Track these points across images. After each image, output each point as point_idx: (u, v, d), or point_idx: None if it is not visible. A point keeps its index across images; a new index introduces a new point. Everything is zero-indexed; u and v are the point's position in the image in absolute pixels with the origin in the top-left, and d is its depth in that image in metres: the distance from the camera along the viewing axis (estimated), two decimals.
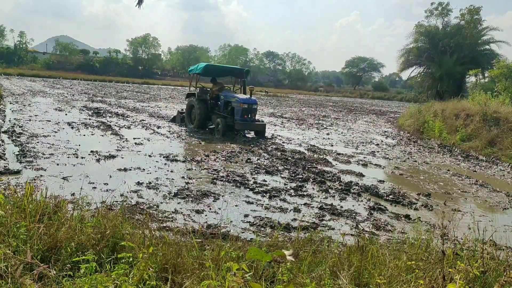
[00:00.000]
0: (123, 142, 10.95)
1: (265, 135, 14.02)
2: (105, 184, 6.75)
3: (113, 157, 8.99)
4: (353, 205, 6.78)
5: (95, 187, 6.51)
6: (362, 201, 7.08)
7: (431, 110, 19.58)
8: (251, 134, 14.31)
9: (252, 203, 6.43)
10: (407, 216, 6.33)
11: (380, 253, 3.61)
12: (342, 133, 17.39)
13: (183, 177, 7.65)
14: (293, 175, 8.57)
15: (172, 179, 7.47)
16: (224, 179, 7.70)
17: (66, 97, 25.44)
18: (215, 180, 7.58)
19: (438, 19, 46.17)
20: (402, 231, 5.59)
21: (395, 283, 2.95)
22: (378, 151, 12.96)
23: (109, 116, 16.54)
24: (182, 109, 16.63)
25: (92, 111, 17.72)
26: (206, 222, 5.32)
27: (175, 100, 30.45)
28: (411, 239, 4.13)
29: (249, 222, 5.51)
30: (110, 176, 7.30)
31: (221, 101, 14.18)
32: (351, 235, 5.24)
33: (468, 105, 17.78)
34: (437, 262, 2.98)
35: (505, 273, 2.11)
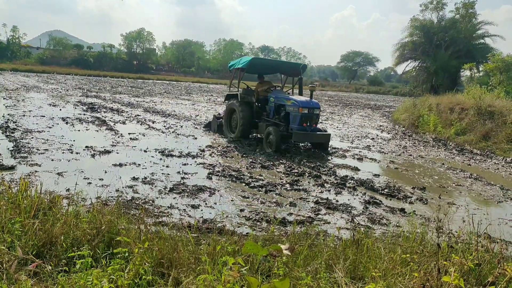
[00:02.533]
0: (118, 137, 10.90)
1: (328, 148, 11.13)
2: (100, 179, 6.72)
3: (108, 152, 8.95)
4: (348, 199, 6.81)
5: (90, 183, 6.48)
6: (357, 195, 7.11)
7: (426, 104, 19.64)
8: (304, 145, 11.73)
9: (248, 197, 6.43)
10: (402, 210, 6.36)
11: (375, 246, 3.63)
12: (337, 127, 17.41)
13: (178, 172, 7.63)
14: (288, 169, 8.58)
15: (168, 174, 7.45)
16: (220, 174, 7.70)
17: (60, 92, 25.28)
18: (210, 175, 7.58)
19: (433, 13, 46.26)
20: (397, 224, 5.62)
21: (390, 276, 2.97)
22: (373, 145, 12.99)
23: (104, 111, 16.46)
24: (219, 114, 13.80)
25: (86, 106, 17.62)
26: (202, 217, 5.32)
27: (170, 95, 30.33)
28: (406, 232, 4.15)
29: (245, 216, 5.52)
30: (105, 172, 7.27)
31: (271, 104, 11.36)
32: (347, 229, 5.26)
33: (463, 99, 17.85)
34: (432, 255, 3.00)
35: (499, 266, 2.13)
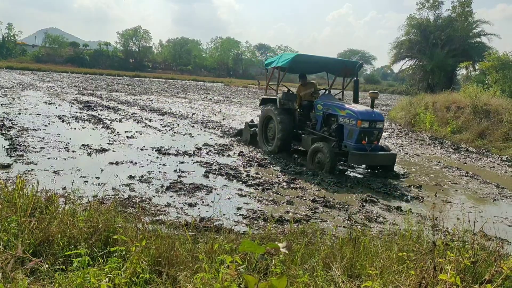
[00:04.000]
0: (115, 135, 10.87)
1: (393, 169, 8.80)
2: (96, 177, 6.71)
3: (105, 150, 8.93)
4: (345, 197, 6.82)
5: (86, 181, 6.46)
6: (354, 193, 7.12)
7: (422, 103, 19.67)
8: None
9: (245, 196, 6.43)
10: (399, 208, 6.39)
11: (372, 244, 3.64)
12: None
13: (175, 171, 7.62)
14: (286, 167, 8.59)
15: (165, 172, 7.44)
16: (216, 172, 7.70)
17: (56, 90, 25.16)
18: (207, 173, 7.57)
19: (429, 11, 46.34)
20: (394, 222, 5.64)
21: (387, 274, 2.98)
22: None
23: (100, 110, 16.40)
24: (252, 121, 11.91)
25: (82, 105, 17.55)
26: (199, 215, 5.32)
27: (166, 93, 30.27)
28: (402, 230, 4.17)
29: (242, 215, 5.53)
30: (102, 170, 7.25)
31: (318, 112, 9.24)
32: (344, 227, 5.28)
33: (459, 97, 17.90)
34: (428, 253, 3.02)
35: (495, 263, 2.14)
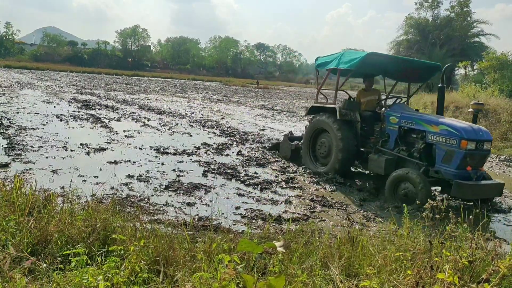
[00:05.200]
0: (113, 134, 10.86)
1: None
2: (95, 177, 6.70)
3: (103, 149, 8.92)
4: (344, 197, 6.83)
5: (85, 180, 6.46)
6: (352, 192, 7.13)
7: (420, 102, 19.73)
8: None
9: (243, 195, 6.44)
10: (397, 207, 6.39)
11: (370, 244, 3.64)
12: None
13: (174, 170, 7.62)
14: (284, 167, 8.59)
15: (163, 171, 7.44)
16: (215, 172, 7.70)
17: (54, 89, 25.12)
18: (206, 173, 7.57)
19: (428, 11, 46.38)
20: (392, 222, 5.64)
21: (384, 273, 2.99)
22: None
23: (99, 109, 16.38)
24: (291, 133, 10.28)
25: (81, 104, 17.53)
26: (198, 214, 5.32)
27: (165, 92, 30.25)
28: (400, 229, 4.18)
29: (241, 214, 5.53)
30: (100, 169, 7.24)
31: (390, 126, 7.33)
32: (342, 226, 5.28)
33: (457, 97, 17.96)
34: (425, 252, 3.02)
35: (493, 263, 2.16)
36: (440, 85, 7.54)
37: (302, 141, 8.96)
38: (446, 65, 7.81)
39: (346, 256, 3.34)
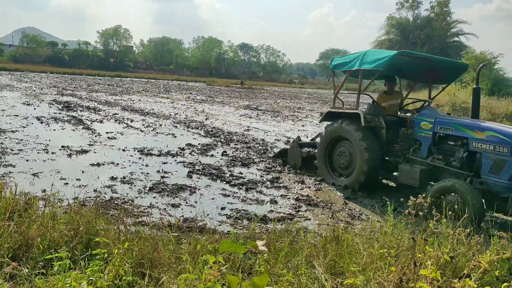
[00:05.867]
0: (96, 136, 10.72)
1: None
2: (77, 179, 6.60)
3: (85, 152, 8.79)
4: (328, 196, 6.88)
5: (67, 183, 6.35)
6: (337, 191, 7.19)
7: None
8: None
9: (228, 195, 6.43)
10: (382, 205, 6.47)
11: (354, 242, 3.68)
12: (317, 124, 17.55)
13: (158, 171, 7.56)
14: (269, 166, 8.61)
15: (147, 173, 7.38)
16: (200, 172, 7.67)
17: (34, 91, 24.64)
18: (191, 174, 7.53)
19: (409, 11, 47.18)
20: (376, 219, 5.71)
21: (369, 270, 3.02)
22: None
23: (80, 110, 16.14)
24: (298, 138, 9.26)
25: (62, 105, 17.24)
26: (183, 216, 5.29)
27: (148, 93, 29.97)
28: (384, 227, 4.23)
29: (226, 214, 5.52)
30: (83, 172, 7.14)
31: (421, 132, 6.63)
32: (327, 225, 5.32)
33: (438, 95, 18.27)
34: (409, 249, 3.07)
35: (474, 258, 2.20)
36: (475, 86, 6.78)
37: (315, 149, 8.27)
38: (481, 64, 7.08)
39: (331, 254, 3.36)
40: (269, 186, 7.17)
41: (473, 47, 48.28)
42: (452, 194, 5.54)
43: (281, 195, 6.66)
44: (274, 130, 14.56)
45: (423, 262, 2.49)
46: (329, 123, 7.88)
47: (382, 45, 47.62)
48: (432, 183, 6.44)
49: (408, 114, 7.32)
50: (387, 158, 7.11)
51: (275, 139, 12.45)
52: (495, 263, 3.33)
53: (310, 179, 7.83)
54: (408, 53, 7.20)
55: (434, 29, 43.79)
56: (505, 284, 2.73)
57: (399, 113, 7.85)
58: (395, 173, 6.94)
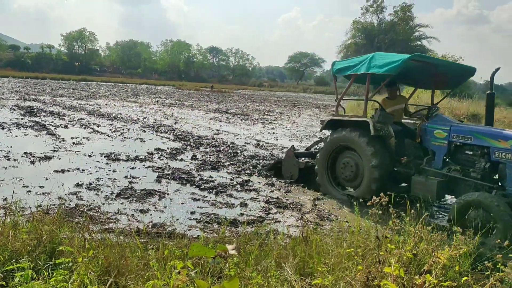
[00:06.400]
0: (60, 142, 10.40)
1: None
2: (40, 187, 6.38)
3: (49, 158, 8.51)
4: (298, 198, 6.95)
5: (29, 191, 6.13)
6: (307, 193, 7.27)
7: (369, 104, 20.45)
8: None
9: (198, 199, 6.38)
10: (350, 205, 6.59)
11: (323, 242, 3.73)
12: (286, 127, 17.71)
13: (126, 177, 7.41)
14: (239, 170, 8.61)
15: (115, 179, 7.22)
16: (169, 177, 7.57)
17: None
18: (160, 178, 7.43)
19: (373, 16, 48.46)
20: (345, 220, 5.82)
21: (338, 270, 3.07)
22: (322, 144, 13.34)
23: (44, 115, 15.63)
24: (293, 147, 8.51)
25: (24, 110, 16.63)
26: (151, 221, 5.21)
27: (115, 97, 29.38)
28: (352, 227, 4.31)
29: (196, 219, 5.47)
30: (46, 179, 6.91)
31: (435, 141, 6.21)
32: (297, 226, 5.37)
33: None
34: (375, 248, 3.14)
35: (433, 254, 2.28)
36: (488, 91, 6.40)
37: (312, 159, 7.85)
38: (496, 68, 6.37)
39: (300, 255, 3.40)
40: (239, 189, 7.17)
41: (435, 50, 50.13)
42: (478, 208, 5.01)
43: (251, 198, 6.67)
44: (244, 133, 14.58)
45: (387, 260, 2.56)
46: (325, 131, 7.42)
47: (348, 48, 48.66)
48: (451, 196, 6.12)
49: (415, 120, 6.81)
50: (395, 169, 6.56)
51: (245, 142, 12.47)
52: (458, 259, 3.46)
53: (280, 181, 7.88)
54: (422, 57, 6.70)
55: (398, 33, 45.17)
56: (465, 278, 2.85)
57: (403, 117, 7.46)
58: (403, 184, 6.56)
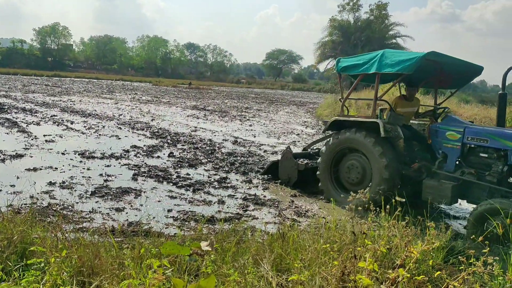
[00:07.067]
0: (32, 139, 10.12)
1: None
2: (11, 186, 6.19)
3: (20, 156, 8.26)
4: (275, 194, 6.97)
5: (0, 190, 5.94)
6: (284, 189, 7.30)
7: (346, 101, 20.73)
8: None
9: (175, 197, 6.32)
10: (327, 202, 6.66)
11: (300, 238, 3.76)
12: (264, 124, 17.74)
13: (101, 175, 7.28)
14: (216, 167, 8.58)
15: (89, 177, 7.08)
16: (145, 175, 7.48)
17: None
18: (136, 176, 7.33)
19: (350, 14, 48.98)
20: (322, 216, 5.88)
21: (314, 266, 3.10)
22: (299, 141, 13.44)
23: (15, 112, 15.16)
24: (288, 148, 7.82)
25: None
26: (127, 220, 5.13)
27: (90, 93, 28.77)
28: (329, 223, 4.36)
29: (173, 217, 5.43)
30: (18, 177, 6.71)
31: (447, 143, 5.96)
32: (274, 223, 5.39)
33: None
34: (351, 243, 3.19)
35: (406, 249, 2.33)
36: (501, 92, 6.17)
37: (311, 160, 7.53)
38: (509, 67, 5.99)
39: (277, 252, 3.41)
40: (216, 186, 7.14)
41: (410, 48, 51.19)
42: (497, 216, 4.64)
43: (229, 195, 6.66)
44: (221, 130, 14.53)
45: (362, 255, 2.59)
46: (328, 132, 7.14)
47: (325, 46, 49.09)
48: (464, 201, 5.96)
49: (422, 122, 6.54)
50: (403, 172, 6.20)
51: (223, 139, 12.43)
52: (430, 253, 3.54)
53: (257, 178, 7.90)
54: (437, 55, 6.18)
55: (373, 31, 45.87)
56: (438, 272, 2.92)
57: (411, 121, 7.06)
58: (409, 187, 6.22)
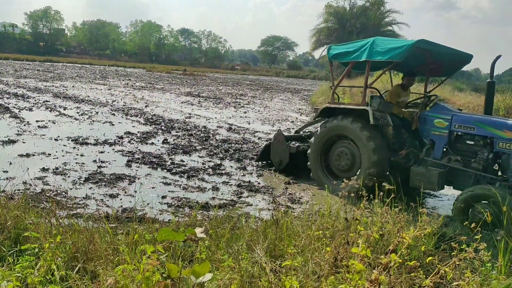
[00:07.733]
0: (24, 125, 10.04)
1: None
2: (4, 171, 6.16)
3: (13, 142, 8.21)
4: (270, 181, 7.00)
5: None
6: (278, 176, 7.33)
7: (340, 88, 20.72)
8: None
9: (169, 184, 6.33)
10: (321, 189, 6.70)
11: (294, 225, 3.79)
12: (259, 111, 17.71)
13: (95, 161, 7.25)
14: (210, 154, 8.58)
15: (83, 163, 7.05)
16: (140, 161, 7.46)
17: None
18: (130, 163, 7.31)
19: (345, 0, 48.59)
20: (315, 202, 5.92)
21: (307, 252, 3.13)
22: (293, 128, 13.44)
23: (7, 97, 15.00)
24: (280, 131, 7.97)
25: None
26: (121, 206, 5.14)
27: (83, 79, 28.49)
28: (322, 210, 4.39)
29: (167, 203, 5.44)
30: (10, 163, 6.67)
31: (435, 130, 6.02)
32: (268, 209, 5.42)
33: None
34: (343, 229, 3.22)
35: (398, 234, 2.36)
36: (489, 80, 6.18)
37: (303, 142, 7.54)
38: (496, 56, 6.00)
39: (271, 238, 3.44)
40: (211, 173, 7.15)
41: (405, 36, 51.06)
42: (483, 202, 4.81)
43: (223, 182, 6.68)
44: (216, 117, 14.49)
45: (355, 241, 2.62)
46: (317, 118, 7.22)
47: (321, 33, 48.83)
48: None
49: (417, 111, 6.49)
50: (392, 159, 6.23)
51: (217, 126, 12.41)
52: (422, 239, 3.59)
53: (252, 165, 7.91)
54: (427, 43, 6.20)
55: (369, 18, 45.64)
56: (430, 258, 2.96)
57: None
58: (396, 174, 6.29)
